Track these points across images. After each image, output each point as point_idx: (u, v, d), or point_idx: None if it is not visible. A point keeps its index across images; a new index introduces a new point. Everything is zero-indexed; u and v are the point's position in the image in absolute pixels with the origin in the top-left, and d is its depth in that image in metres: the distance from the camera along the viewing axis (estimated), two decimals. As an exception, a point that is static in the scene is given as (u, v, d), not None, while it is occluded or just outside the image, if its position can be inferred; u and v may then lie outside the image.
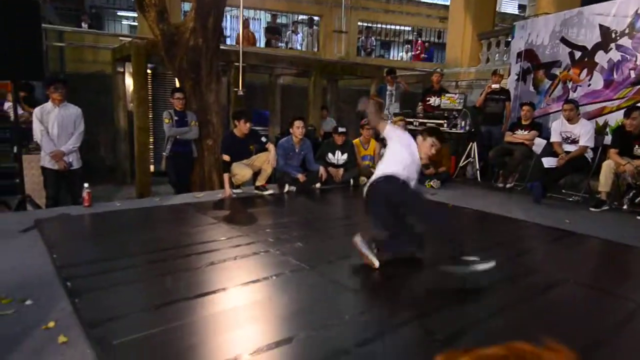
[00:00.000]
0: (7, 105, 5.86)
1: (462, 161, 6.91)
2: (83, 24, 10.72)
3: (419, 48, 13.93)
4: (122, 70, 8.24)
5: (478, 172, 6.69)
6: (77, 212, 4.06)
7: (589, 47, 6.15)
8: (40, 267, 2.70)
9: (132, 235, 3.59)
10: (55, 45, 9.22)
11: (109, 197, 6.47)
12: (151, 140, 7.32)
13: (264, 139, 5.29)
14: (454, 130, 6.94)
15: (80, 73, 9.24)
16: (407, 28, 15.52)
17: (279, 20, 13.63)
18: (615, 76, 5.82)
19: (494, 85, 6.83)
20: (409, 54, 14.71)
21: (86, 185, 4.26)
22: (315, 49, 13.13)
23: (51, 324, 1.99)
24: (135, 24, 13.06)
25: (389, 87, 7.87)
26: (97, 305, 2.21)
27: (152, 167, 7.27)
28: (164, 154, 5.56)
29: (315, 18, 13.45)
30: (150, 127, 7.17)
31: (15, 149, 4.54)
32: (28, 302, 2.20)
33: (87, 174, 4.99)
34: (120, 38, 8.46)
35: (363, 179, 5.97)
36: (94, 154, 9.11)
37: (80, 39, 9.96)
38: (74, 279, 2.48)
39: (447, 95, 7.32)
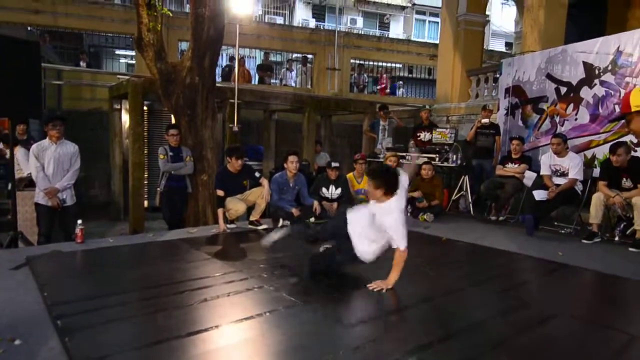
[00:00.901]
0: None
1: (454, 194, 6.97)
2: (82, 63, 10.94)
3: (384, 82, 14.25)
4: (118, 107, 8.37)
5: (471, 205, 6.74)
6: (69, 249, 4.03)
7: (574, 82, 6.35)
8: (30, 305, 2.67)
9: (125, 272, 3.56)
10: (54, 83, 9.38)
11: (103, 233, 6.43)
12: (146, 175, 7.35)
13: (257, 174, 5.34)
14: (445, 164, 7.04)
15: (77, 110, 9.37)
16: (398, 65, 15.96)
17: (274, 59, 14.01)
18: (600, 110, 5.99)
19: (483, 120, 6.99)
20: (401, 90, 15.09)
21: (79, 221, 4.25)
22: (309, 86, 13.43)
23: (40, 364, 1.96)
24: (133, 62, 13.35)
25: (381, 123, 8.04)
26: (87, 344, 2.17)
27: (146, 203, 7.27)
28: (158, 189, 5.58)
29: (309, 56, 13.82)
30: (145, 162, 7.23)
31: (9, 186, 4.55)
32: (17, 342, 2.16)
33: (81, 210, 4.99)
34: (118, 76, 8.63)
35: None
36: (88, 190, 9.11)
37: (78, 77, 10.16)
38: (65, 317, 2.45)
39: (439, 130, 7.47)
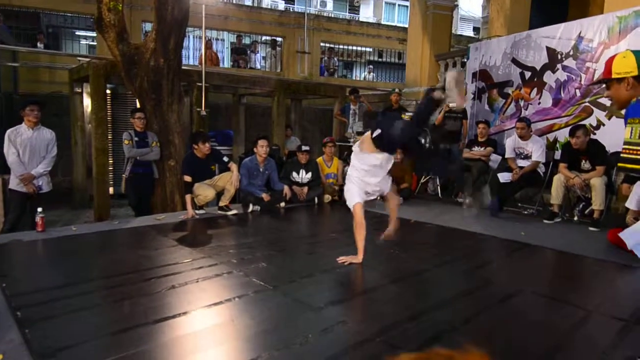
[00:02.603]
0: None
1: (423, 178, 7.08)
2: (39, 44, 10.43)
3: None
4: (80, 90, 8.04)
5: (439, 188, 6.87)
6: (30, 238, 3.89)
7: (538, 67, 6.50)
8: (-13, 297, 2.56)
9: (89, 261, 3.46)
10: (9, 65, 8.91)
11: (67, 222, 6.23)
12: (110, 161, 7.14)
13: (225, 159, 5.26)
14: (415, 147, 7.11)
15: (35, 94, 8.94)
16: (368, 49, 15.94)
17: (245, 42, 13.72)
18: (562, 95, 6.17)
19: (451, 104, 7.07)
20: (372, 74, 15.11)
21: (39, 209, 4.10)
22: (279, 69, 13.26)
23: (-2, 357, 1.89)
24: (94, 44, 12.81)
25: (352, 106, 8.03)
26: (49, 334, 2.11)
27: (111, 190, 7.07)
28: (123, 175, 5.43)
29: (279, 39, 13.61)
30: (109, 148, 7.01)
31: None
32: (-27, 335, 2.08)
33: (42, 198, 4.81)
34: (78, 58, 8.27)
35: (327, 196, 6.03)
36: (51, 177, 8.76)
37: (35, 59, 9.68)
38: (25, 308, 2.37)
39: (408, 114, 7.51)
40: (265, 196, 5.39)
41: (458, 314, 2.54)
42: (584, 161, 4.96)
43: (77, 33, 13.81)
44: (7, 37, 9.70)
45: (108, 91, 7.30)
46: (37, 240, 3.88)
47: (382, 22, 18.22)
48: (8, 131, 4.52)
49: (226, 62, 13.53)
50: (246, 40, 14.15)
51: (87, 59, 7.57)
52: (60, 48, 12.74)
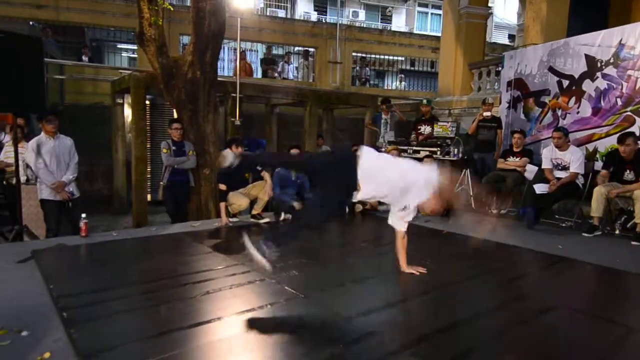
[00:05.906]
0: (6, 137, 5.94)
1: (456, 188, 6.97)
2: (84, 57, 10.96)
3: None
4: (121, 101, 8.41)
5: (472, 198, 6.74)
6: (74, 243, 4.08)
7: (576, 76, 6.33)
8: (36, 297, 2.71)
9: (129, 265, 3.61)
10: (56, 77, 9.41)
11: (107, 227, 6.49)
12: (149, 169, 7.40)
13: (259, 168, 5.36)
14: (447, 157, 7.04)
15: (79, 104, 9.41)
16: (400, 58, 15.90)
17: (275, 52, 13.98)
18: (602, 104, 5.97)
19: (485, 113, 6.98)
20: (403, 83, 15.06)
21: (83, 215, 4.30)
22: (311, 79, 13.41)
23: (47, 355, 2.00)
24: (135, 56, 13.35)
25: (383, 116, 8.03)
26: (93, 335, 2.22)
27: (149, 197, 7.32)
28: (161, 183, 5.62)
29: (311, 50, 13.79)
30: (148, 156, 7.27)
31: (14, 180, 4.61)
32: (24, 333, 2.21)
33: (85, 204, 5.04)
34: (120, 71, 8.65)
35: (358, 206, 6.03)
36: (92, 184, 9.17)
37: (80, 71, 10.19)
38: (70, 310, 2.49)
39: (440, 123, 7.46)
40: (297, 205, 5.44)
41: (491, 327, 2.51)
42: (628, 171, 4.78)
43: (119, 46, 14.45)
44: (55, 51, 10.26)
45: (147, 102, 7.60)
46: (81, 244, 4.07)
47: (415, 31, 18.16)
48: (30, 143, 4.68)
49: (260, 73, 13.81)
50: (279, 51, 14.41)
51: (129, 72, 7.91)
52: (103, 61, 13.35)
